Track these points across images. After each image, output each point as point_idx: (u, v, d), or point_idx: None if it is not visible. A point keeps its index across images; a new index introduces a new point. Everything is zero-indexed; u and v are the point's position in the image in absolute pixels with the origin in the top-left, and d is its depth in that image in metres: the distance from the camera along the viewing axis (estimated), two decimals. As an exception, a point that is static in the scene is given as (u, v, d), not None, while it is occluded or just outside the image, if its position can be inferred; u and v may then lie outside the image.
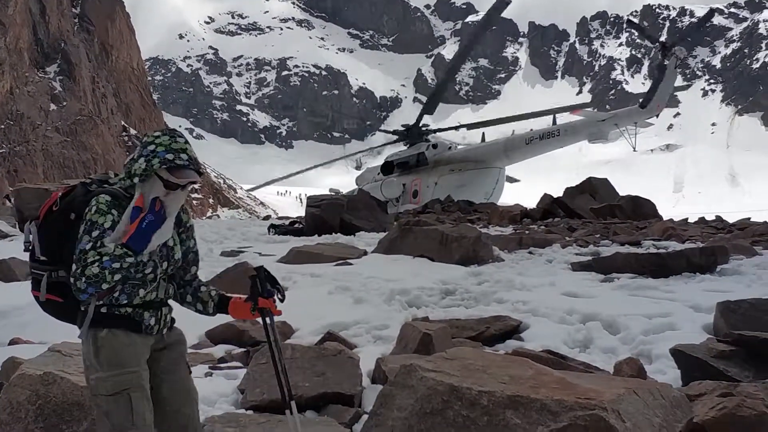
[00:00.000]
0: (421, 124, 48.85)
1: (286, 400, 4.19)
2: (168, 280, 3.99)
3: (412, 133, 49.06)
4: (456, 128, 51.51)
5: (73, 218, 3.77)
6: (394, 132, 51.72)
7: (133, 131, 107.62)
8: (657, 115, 42.37)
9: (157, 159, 3.75)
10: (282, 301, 4.11)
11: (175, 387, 3.97)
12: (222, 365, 7.82)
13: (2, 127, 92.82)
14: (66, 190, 3.95)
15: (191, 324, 9.86)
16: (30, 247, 3.94)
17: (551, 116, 47.38)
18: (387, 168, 48.97)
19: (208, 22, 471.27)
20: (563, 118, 46.44)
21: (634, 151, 42.20)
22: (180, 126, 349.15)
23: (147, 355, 3.86)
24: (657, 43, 43.10)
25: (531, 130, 46.42)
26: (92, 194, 3.78)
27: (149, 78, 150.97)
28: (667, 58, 40.42)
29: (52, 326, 9.30)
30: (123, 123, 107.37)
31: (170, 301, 4.08)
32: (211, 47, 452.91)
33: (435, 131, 50.22)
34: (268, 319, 4.10)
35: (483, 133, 49.75)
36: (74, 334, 7.32)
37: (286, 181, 63.24)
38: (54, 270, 3.82)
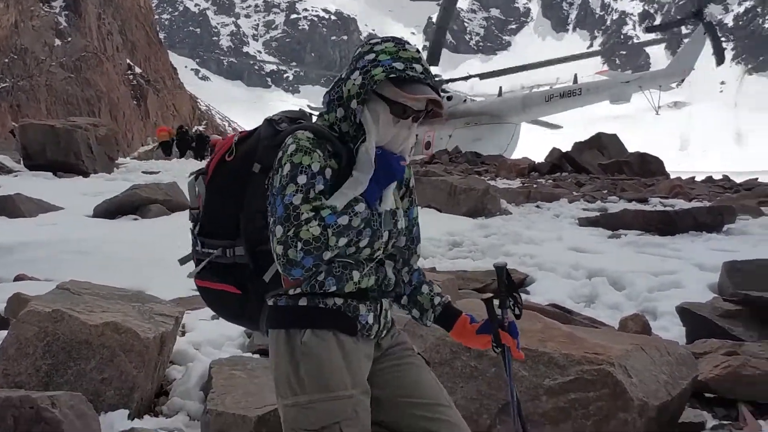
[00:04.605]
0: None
1: None
2: (388, 264, 2.85)
3: None
4: (466, 78, 51.20)
5: (257, 171, 2.71)
6: None
7: (138, 70, 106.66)
8: (683, 80, 42.29)
9: (381, 68, 2.61)
10: (518, 317, 2.88)
11: (413, 379, 2.79)
12: (228, 308, 7.82)
13: (6, 61, 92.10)
14: (244, 133, 2.93)
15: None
16: (197, 215, 2.93)
17: (567, 73, 47.12)
18: None
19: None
20: (586, 78, 46.10)
21: (657, 114, 42.16)
22: (186, 66, 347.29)
23: (367, 369, 2.72)
24: (691, 18, 43.13)
25: (551, 87, 46.22)
26: (284, 134, 2.69)
27: (156, 16, 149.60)
28: (703, 22, 40.53)
29: (58, 263, 9.42)
30: (128, 61, 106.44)
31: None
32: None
33: (446, 81, 49.90)
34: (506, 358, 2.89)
35: (500, 88, 49.41)
36: (82, 272, 7.37)
37: (292, 126, 63.48)
38: (228, 246, 2.78)
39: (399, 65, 2.61)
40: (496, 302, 2.89)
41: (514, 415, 2.89)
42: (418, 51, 2.71)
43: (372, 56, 2.66)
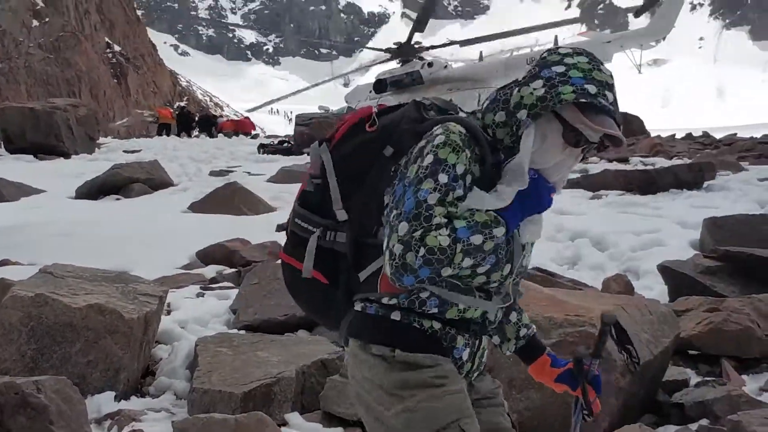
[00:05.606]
0: (413, 42, 48.15)
1: None
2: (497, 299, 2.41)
3: (404, 51, 48.38)
4: (448, 45, 50.97)
5: (389, 154, 2.33)
6: (386, 50, 50.97)
7: (117, 48, 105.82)
8: (663, 38, 42.19)
9: (571, 87, 2.20)
10: (637, 365, 2.58)
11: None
12: (213, 285, 7.84)
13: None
14: (383, 106, 2.52)
15: (180, 243, 9.92)
16: (313, 183, 2.49)
17: (547, 35, 47.02)
18: (379, 86, 48.44)
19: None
20: (568, 40, 45.93)
21: (640, 73, 42.07)
22: (165, 42, 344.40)
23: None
24: None
25: (531, 50, 45.91)
26: (431, 122, 2.31)
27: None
28: None
29: (41, 247, 9.39)
30: (107, 39, 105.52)
31: None
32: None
33: (427, 48, 49.53)
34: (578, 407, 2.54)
35: (480, 52, 49.07)
36: (65, 255, 7.36)
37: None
38: (332, 228, 2.41)
39: (591, 89, 2.22)
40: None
41: None
42: (611, 76, 2.33)
43: (562, 69, 2.26)
